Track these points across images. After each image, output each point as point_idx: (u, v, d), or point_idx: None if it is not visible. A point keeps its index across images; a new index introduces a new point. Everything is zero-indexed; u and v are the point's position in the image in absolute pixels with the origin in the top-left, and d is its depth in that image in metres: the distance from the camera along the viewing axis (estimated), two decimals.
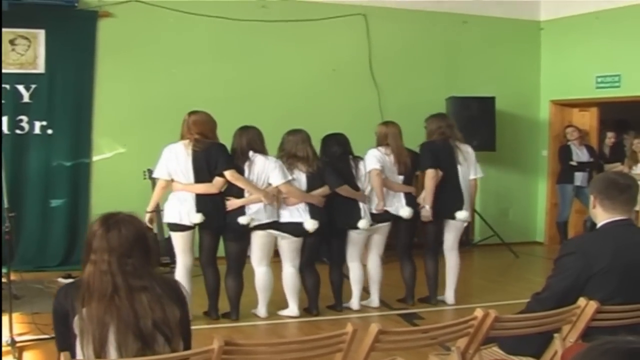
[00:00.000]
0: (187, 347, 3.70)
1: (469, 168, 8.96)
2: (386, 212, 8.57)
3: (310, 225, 8.08)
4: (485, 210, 13.14)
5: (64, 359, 3.36)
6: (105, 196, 10.30)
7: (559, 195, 13.08)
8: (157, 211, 8.60)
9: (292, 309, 8.29)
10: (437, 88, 12.64)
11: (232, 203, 8.00)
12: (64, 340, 3.49)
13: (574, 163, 12.73)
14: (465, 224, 9.20)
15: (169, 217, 7.96)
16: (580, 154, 12.84)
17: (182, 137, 8.00)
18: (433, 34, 12.89)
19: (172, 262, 9.69)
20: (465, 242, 12.88)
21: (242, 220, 7.91)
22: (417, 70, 12.76)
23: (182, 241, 7.95)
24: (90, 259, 3.53)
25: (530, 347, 4.78)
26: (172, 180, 7.93)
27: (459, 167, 8.81)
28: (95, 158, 11.01)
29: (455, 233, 9.02)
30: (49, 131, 10.61)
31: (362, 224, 8.35)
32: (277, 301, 8.34)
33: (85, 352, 3.39)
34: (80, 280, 3.55)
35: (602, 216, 4.66)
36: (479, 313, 4.30)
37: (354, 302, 8.63)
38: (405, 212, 8.58)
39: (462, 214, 8.79)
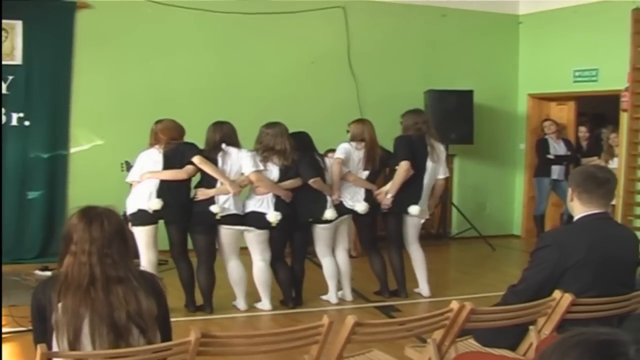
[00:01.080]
0: (167, 339, 3.72)
1: (439, 167, 8.99)
2: (341, 203, 8.57)
3: (273, 217, 8.08)
4: (463, 203, 13.18)
5: (40, 351, 3.36)
6: (83, 188, 10.26)
7: (536, 188, 13.13)
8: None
9: (265, 304, 8.29)
10: (416, 81, 12.66)
11: (204, 192, 8.01)
12: (42, 334, 3.50)
13: (551, 156, 12.78)
14: (422, 220, 9.16)
15: (130, 207, 7.95)
16: (557, 148, 12.89)
17: (153, 144, 8.10)
18: (412, 27, 12.90)
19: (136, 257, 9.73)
20: (442, 235, 12.95)
21: (213, 208, 7.92)
22: (395, 63, 12.77)
23: (145, 235, 7.92)
24: (70, 251, 3.54)
25: (506, 339, 4.81)
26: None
27: (428, 164, 8.84)
28: (72, 150, 10.96)
29: (413, 228, 9.02)
30: (26, 123, 10.54)
31: (329, 213, 8.37)
32: (255, 293, 8.32)
33: (60, 344, 3.40)
34: (58, 275, 3.55)
35: (579, 209, 4.69)
36: (454, 305, 4.33)
37: (331, 296, 8.63)
38: (360, 206, 8.60)
39: (414, 209, 8.79)
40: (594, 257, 4.53)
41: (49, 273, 8.50)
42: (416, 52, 12.97)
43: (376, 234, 9.04)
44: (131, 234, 8.63)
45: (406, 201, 8.79)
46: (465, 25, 13.27)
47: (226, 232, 8.11)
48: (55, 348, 3.43)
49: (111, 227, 3.55)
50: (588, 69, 12.51)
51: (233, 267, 8.20)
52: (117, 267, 3.52)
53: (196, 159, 7.92)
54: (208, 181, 8.05)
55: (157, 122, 8.16)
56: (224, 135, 8.14)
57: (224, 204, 8.00)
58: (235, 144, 8.19)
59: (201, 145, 8.17)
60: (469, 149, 12.95)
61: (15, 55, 10.48)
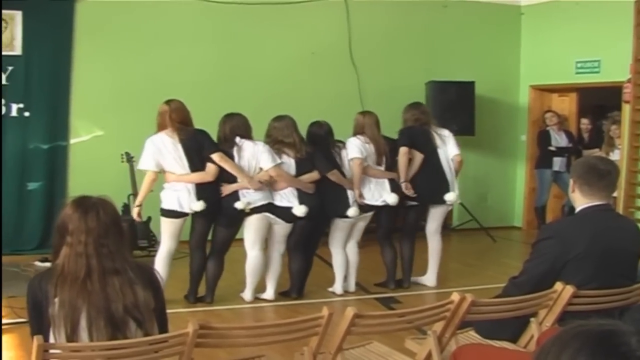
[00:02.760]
0: (164, 331, 3.70)
1: (448, 148, 9.03)
2: (366, 204, 8.56)
3: (299, 210, 8.06)
4: (464, 194, 13.10)
5: (36, 342, 3.34)
6: (83, 179, 10.23)
7: (538, 180, 13.12)
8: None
9: (269, 293, 8.31)
10: (417, 72, 12.62)
11: (227, 188, 7.97)
12: (38, 327, 3.48)
13: (552, 148, 12.76)
14: (452, 206, 9.27)
15: (167, 204, 7.87)
16: (559, 139, 12.87)
17: (161, 127, 7.94)
18: (413, 18, 12.85)
19: (150, 245, 9.70)
20: (443, 227, 12.85)
21: (238, 205, 7.90)
22: (396, 54, 12.73)
23: (174, 227, 7.92)
24: (65, 242, 3.51)
25: (507, 332, 4.80)
26: (162, 172, 7.91)
27: (439, 150, 8.91)
28: (72, 141, 10.92)
29: (440, 217, 9.15)
30: (26, 114, 10.50)
31: (352, 212, 8.35)
32: (262, 286, 8.34)
33: (57, 338, 3.38)
34: (54, 267, 3.53)
35: (580, 201, 4.67)
36: (455, 297, 4.31)
37: (337, 287, 8.64)
38: (391, 198, 8.57)
39: (450, 196, 8.90)
40: (595, 249, 4.52)
41: (48, 264, 8.47)
42: (417, 44, 12.93)
43: (394, 224, 9.04)
44: (130, 223, 8.64)
45: (432, 191, 8.86)
46: (467, 16, 13.23)
47: (256, 219, 8.10)
48: (52, 341, 3.41)
49: (107, 217, 3.52)
50: (590, 60, 12.47)
51: (254, 257, 8.20)
52: (114, 257, 3.50)
53: (216, 157, 7.87)
54: (229, 175, 8.00)
55: (169, 101, 8.02)
56: (233, 126, 8.10)
57: (249, 198, 7.96)
58: (248, 136, 8.16)
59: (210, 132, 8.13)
60: (470, 140, 12.91)
61: (15, 45, 10.44)
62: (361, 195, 8.48)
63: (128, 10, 11.01)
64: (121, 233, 3.60)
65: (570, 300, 4.47)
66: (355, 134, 8.71)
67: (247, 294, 8.28)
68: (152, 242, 9.77)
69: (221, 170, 7.96)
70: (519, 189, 14.01)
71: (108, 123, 10.92)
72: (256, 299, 8.30)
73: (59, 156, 10.85)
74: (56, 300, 3.40)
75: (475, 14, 13.28)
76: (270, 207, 8.11)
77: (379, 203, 8.61)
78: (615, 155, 11.67)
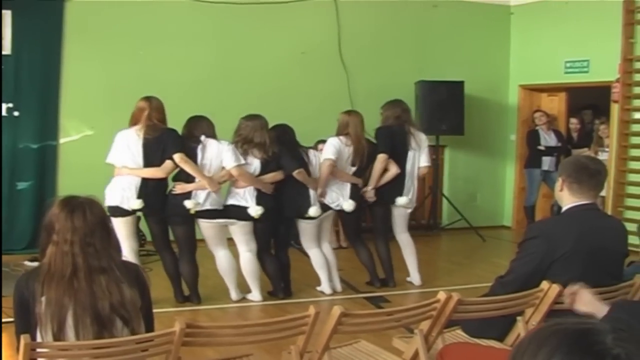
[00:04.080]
0: (151, 330, 3.71)
1: (420, 155, 9.06)
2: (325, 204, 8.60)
3: (254, 211, 8.03)
4: (453, 194, 13.19)
5: (24, 341, 3.34)
6: (73, 179, 10.22)
7: (527, 179, 13.15)
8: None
9: (255, 295, 8.29)
10: (407, 72, 12.64)
11: (183, 187, 7.92)
12: (24, 326, 3.48)
13: (542, 148, 12.80)
14: (409, 210, 9.23)
15: (110, 200, 7.80)
16: (548, 139, 12.90)
17: (134, 122, 7.96)
18: (403, 17, 12.87)
19: (140, 244, 9.69)
20: (433, 226, 12.95)
21: (187, 203, 7.85)
22: (386, 53, 12.75)
23: (125, 227, 7.83)
24: (52, 241, 3.53)
25: (494, 330, 4.81)
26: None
27: (410, 153, 8.95)
28: (62, 140, 10.91)
29: (401, 218, 9.14)
30: (16, 113, 10.48)
31: (313, 211, 8.35)
32: (245, 284, 8.32)
33: (44, 336, 3.39)
34: (41, 266, 3.54)
35: (568, 200, 4.68)
36: (441, 296, 4.32)
37: (325, 287, 8.64)
38: (347, 205, 8.61)
39: (401, 200, 8.92)
40: (582, 248, 4.53)
41: (37, 264, 8.48)
42: (407, 43, 12.95)
43: (361, 226, 9.08)
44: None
45: (392, 192, 8.88)
46: (457, 16, 13.25)
47: (206, 226, 8.09)
48: (39, 340, 3.42)
49: (93, 217, 3.54)
50: (579, 60, 12.50)
51: (221, 258, 8.18)
52: (100, 256, 3.51)
53: (177, 157, 7.80)
54: (187, 175, 7.95)
55: (148, 98, 8.03)
56: (199, 126, 8.09)
57: (199, 199, 7.92)
58: (213, 136, 8.13)
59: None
60: (460, 139, 12.95)
61: (4, 45, 10.39)
62: (322, 194, 8.50)
63: (118, 10, 11.00)
64: (108, 232, 3.61)
65: (556, 299, 4.48)
66: (338, 133, 8.70)
67: (232, 294, 8.27)
68: (142, 242, 9.76)
69: (180, 170, 7.96)
70: (509, 188, 14.05)
71: (98, 122, 10.89)
72: (244, 299, 8.29)
73: (48, 156, 10.84)
74: (43, 298, 3.41)
75: (464, 13, 13.31)
76: (216, 214, 8.07)
77: (334, 207, 8.64)
78: (603, 155, 11.72)
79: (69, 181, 10.30)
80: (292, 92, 11.78)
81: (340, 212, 8.78)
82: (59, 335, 3.38)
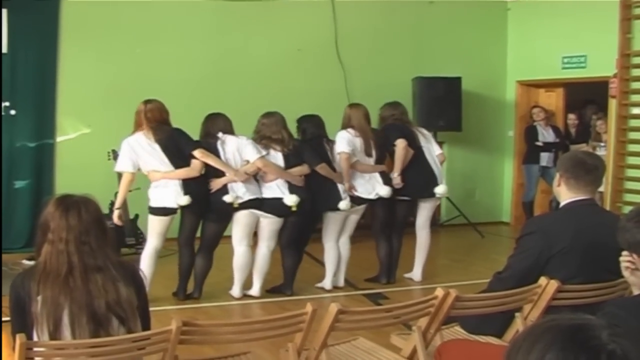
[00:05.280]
0: (147, 329, 3.70)
1: (432, 145, 9.15)
2: (358, 197, 8.57)
3: (290, 200, 8.05)
4: (452, 190, 13.10)
5: (19, 340, 3.33)
6: (70, 177, 10.23)
7: (525, 175, 13.13)
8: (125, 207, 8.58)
9: (255, 289, 8.31)
10: (404, 68, 12.63)
11: (216, 183, 7.97)
12: (20, 325, 3.48)
13: (539, 143, 12.78)
14: (440, 200, 9.49)
15: (155, 201, 7.87)
16: (546, 135, 12.89)
17: (137, 127, 7.96)
18: (399, 14, 12.84)
19: (138, 243, 9.68)
20: (431, 222, 12.87)
21: (227, 198, 7.90)
22: (383, 50, 12.73)
23: (162, 225, 7.91)
24: (47, 239, 3.52)
25: (492, 327, 4.81)
26: (139, 171, 7.91)
27: (423, 147, 8.98)
28: (59, 139, 10.91)
29: (430, 211, 9.23)
30: (12, 112, 10.45)
31: (344, 204, 8.35)
32: (250, 283, 8.35)
33: (40, 335, 3.38)
34: (36, 265, 3.54)
35: (565, 195, 4.67)
36: (439, 292, 4.32)
37: (327, 282, 8.66)
38: (384, 190, 8.60)
39: (440, 188, 9.00)
40: (579, 243, 4.52)
41: (30, 266, 8.47)
42: (404, 40, 12.93)
43: (389, 219, 9.01)
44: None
45: (421, 186, 8.93)
46: (453, 12, 13.23)
47: (243, 216, 8.09)
48: (35, 339, 3.41)
49: (89, 215, 3.53)
50: (576, 55, 12.49)
51: (242, 253, 8.20)
52: (95, 255, 3.50)
53: (197, 153, 7.88)
54: (216, 170, 8.00)
55: (146, 102, 8.02)
56: (216, 124, 8.17)
57: (237, 192, 7.98)
58: (231, 132, 8.20)
59: (188, 131, 8.14)
60: (458, 136, 12.94)
61: (0, 44, 10.39)
62: (352, 188, 8.50)
63: (114, 8, 10.98)
64: (103, 231, 3.61)
65: (554, 294, 4.48)
66: (344, 127, 8.72)
67: (236, 291, 8.27)
68: (140, 240, 9.75)
69: (208, 166, 7.97)
70: (507, 184, 14.04)
71: (95, 121, 10.89)
72: (244, 295, 8.29)
73: (45, 154, 10.83)
74: (39, 298, 3.40)
75: (461, 10, 13.28)
76: (257, 203, 8.10)
77: (372, 196, 8.63)
78: (602, 151, 11.72)
79: (66, 180, 10.28)
80: (288, 90, 11.75)
81: (374, 204, 8.75)
82: (55, 334, 3.38)
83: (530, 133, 12.97)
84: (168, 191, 7.81)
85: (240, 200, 7.99)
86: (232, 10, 11.58)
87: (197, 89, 11.17)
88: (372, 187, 8.63)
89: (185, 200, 7.79)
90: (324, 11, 12.22)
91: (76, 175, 10.04)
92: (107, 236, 3.65)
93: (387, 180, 8.70)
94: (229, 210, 8.03)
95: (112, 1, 10.94)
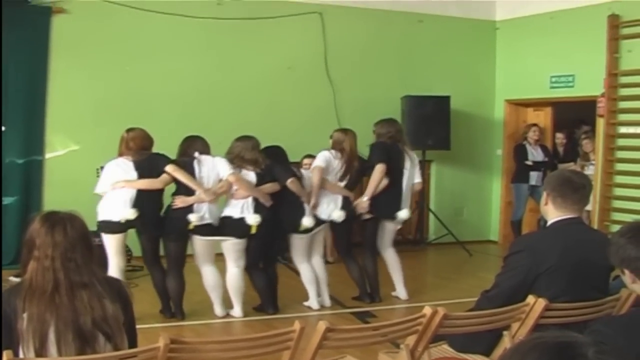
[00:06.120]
0: (134, 346, 3.68)
1: (414, 173, 9.15)
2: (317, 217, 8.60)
3: (252, 219, 8.06)
4: (440, 208, 13.19)
5: (6, 357, 3.31)
6: (58, 194, 10.20)
7: (514, 194, 13.12)
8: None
9: (236, 310, 8.28)
10: (393, 87, 12.66)
11: (183, 200, 7.96)
12: (7, 342, 3.45)
13: (529, 162, 12.78)
14: (399, 226, 9.44)
15: (101, 214, 7.87)
16: (535, 154, 12.90)
17: (120, 154, 8.02)
18: (389, 32, 12.89)
19: (126, 260, 9.64)
20: (420, 241, 12.95)
21: (192, 217, 7.88)
22: (372, 68, 12.77)
23: (115, 243, 7.87)
24: (33, 256, 3.51)
25: (480, 345, 4.80)
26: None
27: (405, 171, 9.01)
28: (48, 155, 10.89)
29: (391, 233, 9.20)
30: (2, 128, 10.43)
31: (306, 221, 8.36)
32: (229, 300, 8.30)
33: (26, 352, 3.36)
34: (22, 281, 3.52)
35: (552, 214, 4.68)
36: (427, 310, 4.31)
37: (312, 302, 8.63)
38: (337, 215, 8.64)
39: (403, 213, 9.01)
40: (567, 262, 4.52)
41: (16, 282, 8.43)
42: (393, 58, 12.97)
43: (351, 240, 9.06)
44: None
45: (387, 206, 8.92)
46: (442, 31, 13.30)
47: (201, 242, 8.09)
48: (21, 356, 3.39)
49: (74, 232, 3.52)
50: (565, 74, 12.55)
51: (208, 273, 8.18)
52: (81, 271, 3.49)
53: (169, 167, 7.89)
54: (186, 189, 7.99)
55: (128, 130, 8.09)
56: (193, 144, 8.19)
57: (202, 212, 7.96)
58: (207, 153, 8.21)
59: (172, 156, 8.15)
60: (446, 154, 12.96)
61: None
62: (315, 205, 8.51)
63: (104, 25, 11.00)
64: (89, 247, 3.59)
65: (542, 313, 4.48)
66: (333, 147, 8.75)
67: (217, 309, 8.25)
68: (128, 257, 9.72)
69: (178, 184, 7.98)
70: (495, 203, 14.06)
71: (84, 137, 10.88)
72: (229, 315, 8.27)
73: (34, 171, 10.80)
74: (25, 315, 3.38)
75: (450, 28, 13.35)
76: (213, 229, 8.09)
77: (325, 217, 8.64)
78: (590, 170, 11.76)
79: (55, 196, 10.27)
80: (278, 107, 11.79)
81: (332, 225, 8.78)
82: (41, 351, 3.36)
83: (519, 152, 12.99)
84: (115, 202, 7.80)
85: (201, 222, 7.97)
86: (222, 28, 11.60)
87: (187, 107, 11.17)
88: (330, 208, 8.65)
89: (130, 213, 7.76)
90: (314, 29, 12.26)
91: (65, 192, 10.01)
92: (93, 252, 3.63)
93: (345, 205, 8.71)
94: (185, 230, 7.99)
95: (103, 18, 10.94)
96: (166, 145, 8.21)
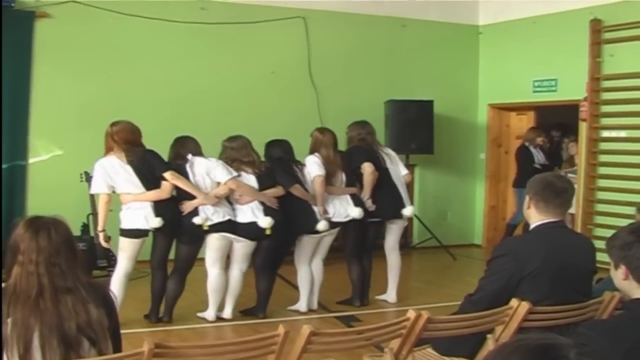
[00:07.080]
0: (118, 351, 3.67)
1: (398, 166, 9.20)
2: (331, 221, 8.56)
3: (264, 222, 8.04)
4: (424, 212, 13.20)
5: None
6: (42, 199, 10.14)
7: (517, 199, 12.64)
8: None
9: (227, 312, 8.29)
10: (376, 91, 12.68)
11: (187, 205, 7.96)
12: None
13: (537, 166, 12.56)
14: (407, 222, 9.48)
15: (127, 223, 7.84)
16: (539, 157, 12.83)
17: (108, 149, 7.94)
18: (372, 37, 12.92)
19: (110, 265, 9.62)
20: (404, 245, 12.93)
21: (196, 220, 7.89)
22: (356, 73, 12.79)
23: (133, 247, 7.86)
24: (17, 261, 3.50)
25: (464, 348, 4.81)
26: (114, 192, 7.89)
27: (389, 169, 9.04)
28: (31, 160, 10.84)
29: (397, 233, 9.24)
30: None
31: (322, 225, 8.36)
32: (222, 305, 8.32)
33: (10, 358, 3.35)
34: (6, 287, 3.51)
35: (535, 217, 4.70)
36: (411, 314, 4.32)
37: (302, 304, 8.64)
38: (355, 212, 8.61)
39: (408, 210, 9.07)
40: (550, 265, 4.54)
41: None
42: (377, 63, 12.99)
43: (360, 242, 8.97)
44: (89, 242, 8.56)
45: (390, 207, 8.98)
46: (426, 35, 13.33)
47: (215, 239, 8.07)
48: None
49: (59, 237, 3.51)
50: (547, 79, 12.61)
51: (215, 276, 8.16)
52: (66, 276, 3.48)
53: (168, 175, 7.87)
54: (188, 193, 7.99)
55: (113, 124, 8.00)
56: (185, 145, 8.18)
57: (208, 214, 7.96)
58: (200, 154, 8.20)
59: (162, 155, 8.13)
60: (430, 158, 12.99)
61: None
62: (325, 212, 8.49)
63: (88, 29, 10.97)
64: (74, 252, 3.58)
65: (526, 316, 4.50)
66: (312, 151, 8.74)
67: (210, 313, 8.22)
68: (112, 262, 9.69)
69: (180, 189, 7.97)
70: (479, 206, 14.09)
71: (67, 142, 10.85)
72: (219, 319, 8.26)
73: (17, 176, 10.75)
74: (9, 320, 3.37)
75: (434, 33, 13.39)
76: (229, 226, 8.08)
77: (343, 219, 8.63)
78: (575, 173, 11.79)
79: (38, 201, 10.22)
80: (262, 112, 11.78)
81: (346, 226, 8.75)
82: (25, 356, 3.34)
83: (525, 155, 12.89)
84: (139, 213, 7.78)
85: (210, 222, 7.97)
86: (205, 32, 11.59)
87: (171, 111, 11.16)
88: (344, 209, 8.64)
89: (157, 222, 7.76)
90: (297, 34, 12.27)
91: (48, 197, 9.96)
92: (78, 257, 3.62)
93: (357, 202, 8.71)
94: (199, 233, 8.00)
95: (86, 22, 10.92)
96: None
